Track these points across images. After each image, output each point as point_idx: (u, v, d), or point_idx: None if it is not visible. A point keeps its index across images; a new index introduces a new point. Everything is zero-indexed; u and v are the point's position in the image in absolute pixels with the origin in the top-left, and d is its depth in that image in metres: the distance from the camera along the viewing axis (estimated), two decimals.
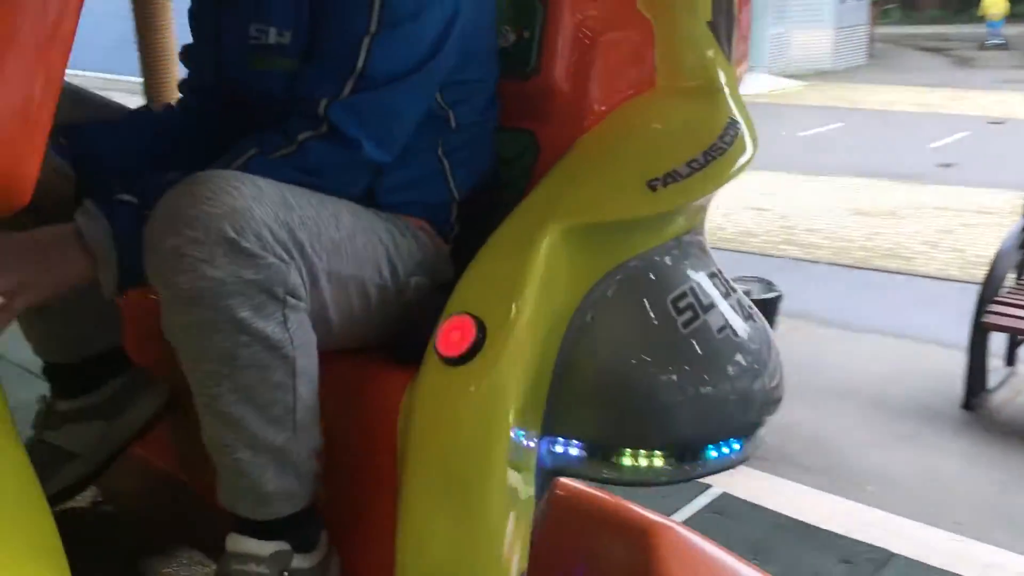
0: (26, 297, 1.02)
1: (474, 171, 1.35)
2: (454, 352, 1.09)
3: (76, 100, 1.30)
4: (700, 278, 1.30)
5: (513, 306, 1.12)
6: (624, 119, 1.35)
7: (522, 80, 1.37)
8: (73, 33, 0.91)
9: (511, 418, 1.10)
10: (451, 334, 1.10)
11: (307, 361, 1.09)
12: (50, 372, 1.48)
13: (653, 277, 1.24)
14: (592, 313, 1.20)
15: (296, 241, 1.03)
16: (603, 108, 1.36)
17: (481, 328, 1.09)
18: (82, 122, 1.28)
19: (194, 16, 1.34)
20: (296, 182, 1.09)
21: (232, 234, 0.96)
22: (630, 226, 1.23)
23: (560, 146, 1.35)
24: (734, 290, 1.31)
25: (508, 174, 1.43)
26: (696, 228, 1.35)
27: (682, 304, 1.25)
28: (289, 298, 1.03)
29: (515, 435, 1.11)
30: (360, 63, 1.09)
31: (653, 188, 1.21)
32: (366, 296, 1.17)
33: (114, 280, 1.05)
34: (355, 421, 1.26)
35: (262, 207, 0.99)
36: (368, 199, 1.23)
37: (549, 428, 1.17)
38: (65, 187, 1.20)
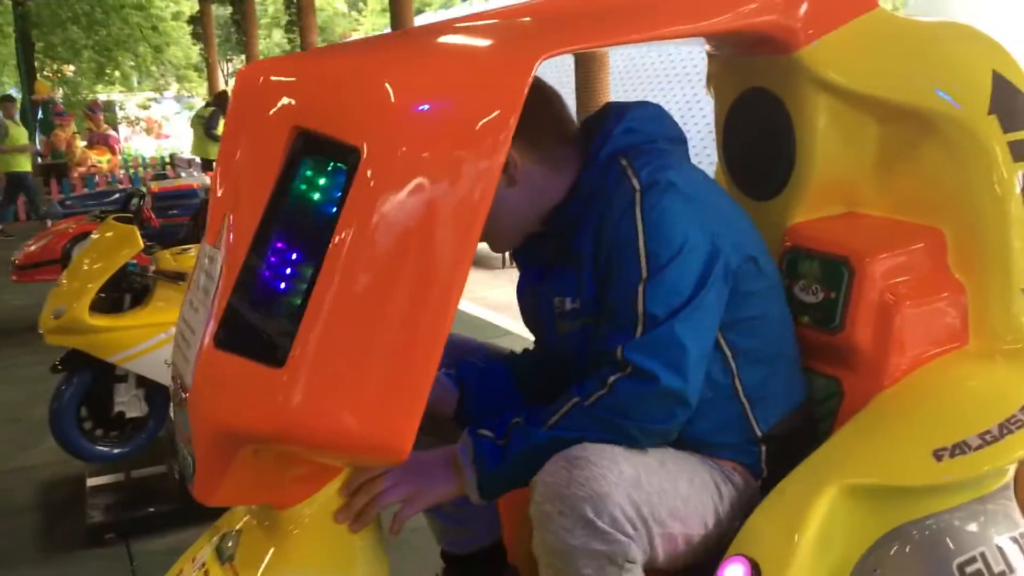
0: (414, 506, 1.35)
1: (778, 407, 1.43)
2: None
3: (466, 350, 1.67)
4: (1000, 542, 1.33)
5: (789, 554, 1.25)
6: (926, 379, 1.43)
7: (829, 334, 1.51)
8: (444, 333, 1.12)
9: None
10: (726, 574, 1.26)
11: None
12: (446, 558, 1.75)
13: (940, 540, 1.30)
14: (879, 569, 1.29)
15: (641, 516, 1.23)
16: (908, 366, 1.45)
17: (756, 571, 1.24)
18: (472, 359, 1.65)
19: (520, 295, 1.62)
20: (612, 424, 1.27)
21: (592, 515, 1.19)
22: (915, 490, 1.31)
23: (864, 396, 1.46)
24: None
25: (817, 414, 1.56)
26: (1001, 488, 1.38)
27: (970, 569, 1.29)
28: (627, 563, 1.22)
29: None
30: (640, 307, 1.27)
31: (939, 458, 1.28)
32: (690, 544, 1.32)
33: (476, 496, 1.33)
34: None
35: (619, 491, 1.20)
36: (689, 448, 1.39)
37: None
38: (449, 407, 1.57)
